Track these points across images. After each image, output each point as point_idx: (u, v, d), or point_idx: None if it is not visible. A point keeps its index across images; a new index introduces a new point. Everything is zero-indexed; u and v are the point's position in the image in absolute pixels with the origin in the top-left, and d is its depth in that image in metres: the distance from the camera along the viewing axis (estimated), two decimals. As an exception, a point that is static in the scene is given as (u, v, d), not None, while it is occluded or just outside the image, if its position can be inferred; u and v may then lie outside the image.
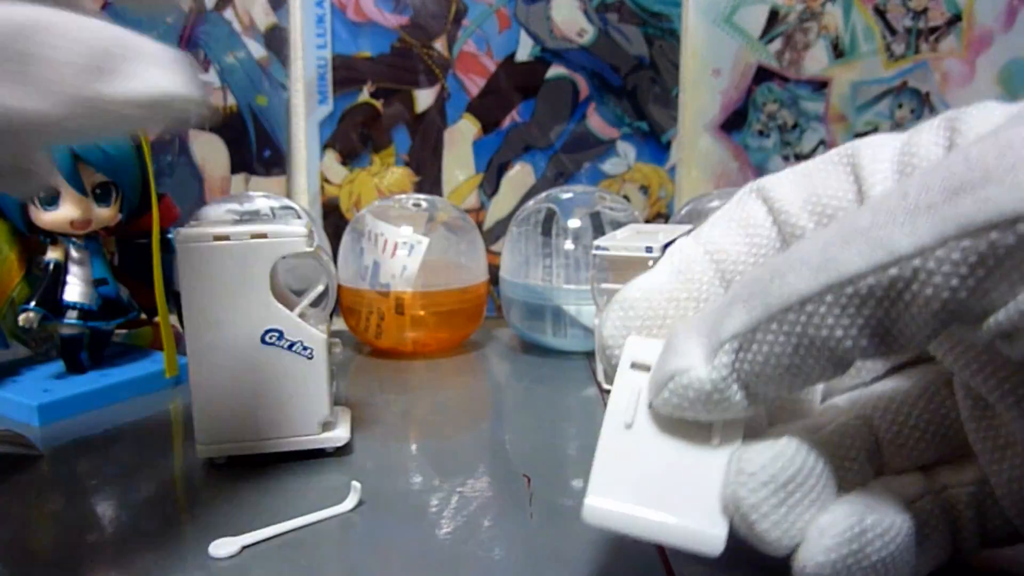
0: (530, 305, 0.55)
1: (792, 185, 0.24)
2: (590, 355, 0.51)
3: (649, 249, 0.44)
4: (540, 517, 0.31)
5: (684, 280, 0.25)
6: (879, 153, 0.23)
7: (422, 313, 0.53)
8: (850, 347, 0.18)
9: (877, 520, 0.20)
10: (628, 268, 0.45)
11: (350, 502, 0.31)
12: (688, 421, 0.22)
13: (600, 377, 0.47)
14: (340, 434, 0.37)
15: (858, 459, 0.22)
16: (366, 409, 0.44)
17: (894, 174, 0.22)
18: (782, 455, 0.20)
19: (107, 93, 0.23)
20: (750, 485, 0.20)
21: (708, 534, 0.20)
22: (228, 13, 0.65)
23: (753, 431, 0.22)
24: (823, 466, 0.21)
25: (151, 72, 0.24)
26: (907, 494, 0.22)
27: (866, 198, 0.22)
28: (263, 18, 0.66)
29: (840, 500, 0.21)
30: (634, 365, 0.23)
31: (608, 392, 0.46)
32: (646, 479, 0.21)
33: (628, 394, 0.23)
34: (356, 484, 0.31)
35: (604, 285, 0.46)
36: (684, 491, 0.21)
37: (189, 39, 0.65)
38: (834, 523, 0.20)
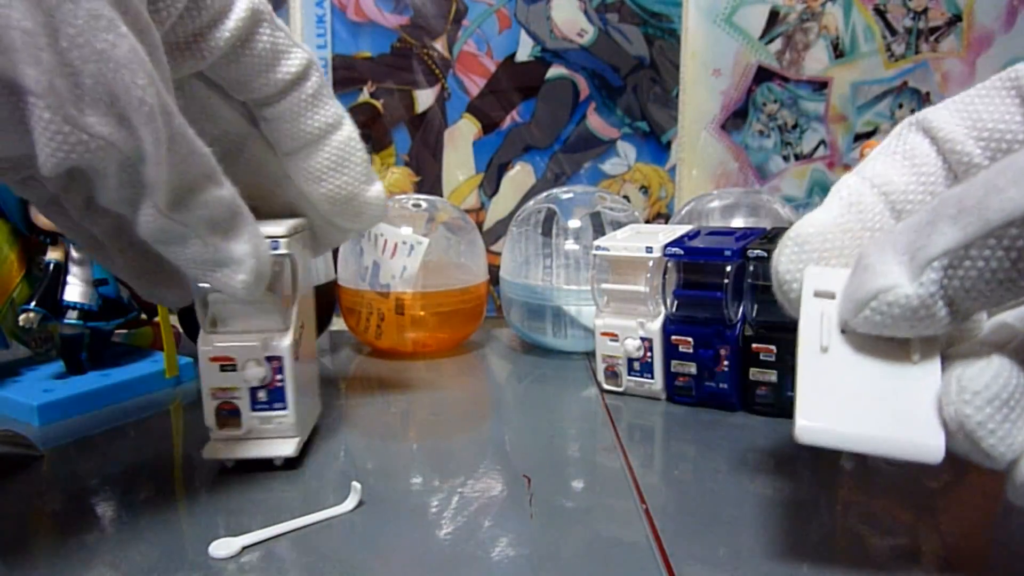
0: (530, 305, 0.55)
1: (954, 115, 0.24)
2: (590, 355, 0.51)
3: (649, 249, 0.44)
4: (540, 517, 0.31)
5: (856, 212, 0.25)
6: None
7: (422, 313, 0.53)
8: None
9: None
10: (628, 268, 0.45)
11: (350, 502, 0.31)
12: (884, 339, 0.22)
13: (600, 377, 0.47)
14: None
15: None
16: (366, 409, 0.44)
17: None
18: (1001, 373, 0.20)
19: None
20: (976, 403, 0.20)
21: (929, 445, 0.21)
22: (228, 13, 0.65)
23: (944, 347, 0.23)
24: None
25: None
26: None
27: None
28: (263, 18, 0.66)
29: None
30: (817, 293, 0.24)
31: (608, 392, 0.46)
32: (852, 397, 0.22)
33: (816, 320, 0.23)
34: (356, 484, 0.31)
35: (604, 285, 0.46)
36: (893, 406, 0.21)
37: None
38: None
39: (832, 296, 0.23)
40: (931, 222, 0.20)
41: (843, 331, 0.23)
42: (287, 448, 0.35)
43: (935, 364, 0.22)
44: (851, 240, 0.24)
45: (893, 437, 0.21)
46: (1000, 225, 0.18)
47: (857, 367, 0.22)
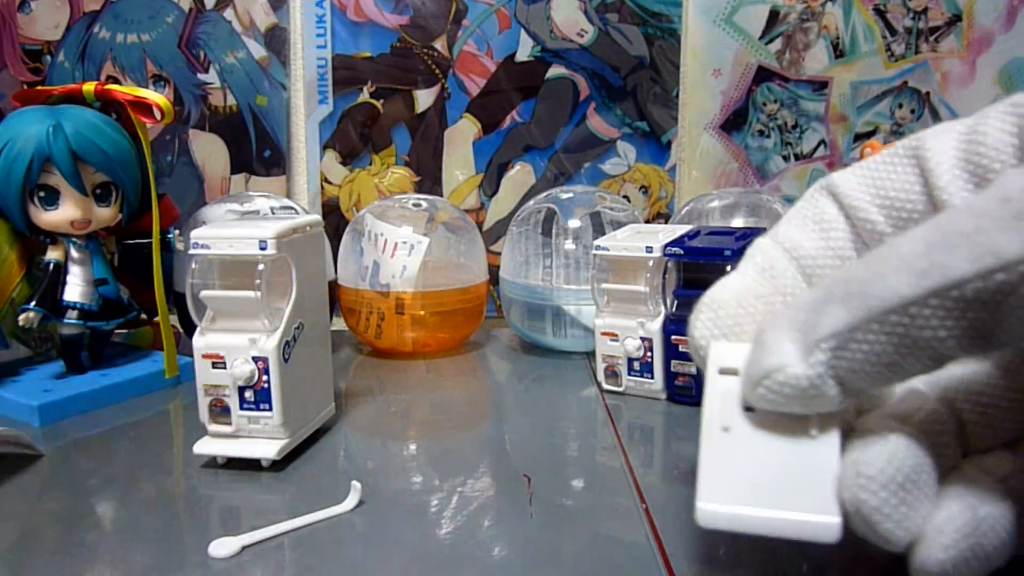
0: (530, 305, 0.55)
1: (859, 181, 0.25)
2: (590, 355, 0.51)
3: (649, 249, 0.44)
4: (540, 517, 0.31)
5: (769, 278, 0.26)
6: (942, 145, 0.23)
7: (422, 313, 0.53)
8: (953, 346, 0.19)
9: (988, 511, 0.21)
10: (628, 268, 0.45)
11: (350, 502, 0.31)
12: (784, 417, 0.22)
13: (600, 377, 0.47)
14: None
15: (950, 444, 0.23)
16: (366, 409, 0.44)
17: (960, 164, 0.23)
18: (896, 455, 0.21)
19: None
20: (871, 487, 0.20)
21: (826, 524, 0.21)
22: (228, 13, 0.65)
23: (843, 416, 0.23)
24: (928, 458, 0.21)
25: None
26: (1001, 474, 0.22)
27: (934, 191, 0.23)
28: (263, 18, 0.66)
29: (949, 494, 0.21)
30: (722, 371, 0.24)
31: (608, 392, 0.46)
32: (752, 478, 0.22)
33: (720, 399, 0.23)
34: (356, 484, 0.31)
35: (604, 285, 0.46)
36: (791, 484, 0.21)
37: (189, 39, 0.66)
38: (950, 519, 0.20)
39: (735, 372, 0.24)
40: (824, 301, 0.21)
41: (747, 408, 0.23)
42: (271, 450, 0.35)
43: (833, 438, 0.22)
44: (764, 305, 0.25)
45: (790, 518, 0.21)
46: (881, 312, 0.19)
47: (757, 446, 0.22)
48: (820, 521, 0.21)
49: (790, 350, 0.21)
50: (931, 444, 0.22)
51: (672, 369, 0.44)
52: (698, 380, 0.43)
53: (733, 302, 0.25)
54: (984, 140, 0.22)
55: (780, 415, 0.22)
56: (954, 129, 0.23)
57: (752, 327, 0.25)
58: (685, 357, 0.43)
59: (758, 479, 0.22)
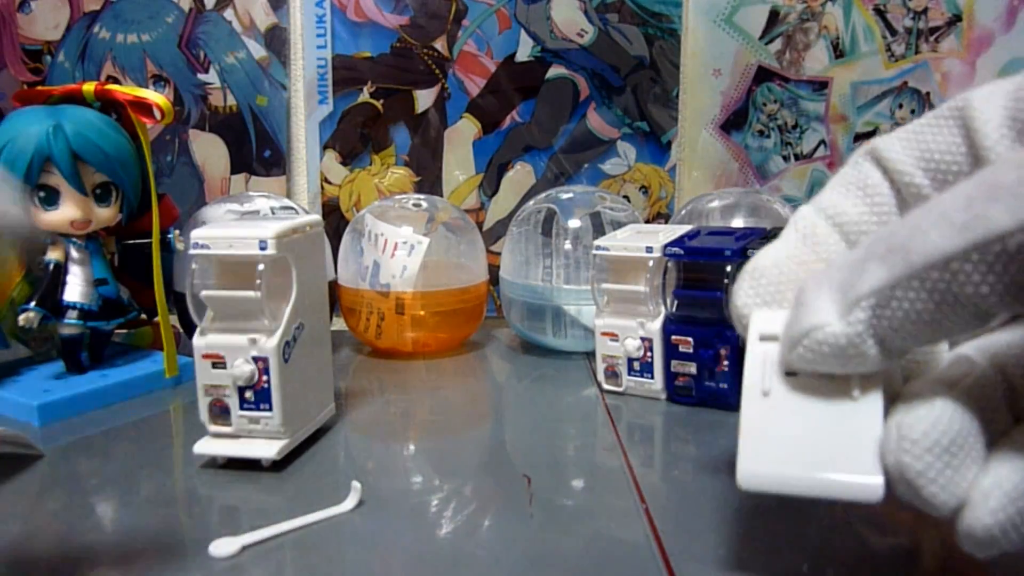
0: (530, 305, 0.55)
1: (903, 145, 0.25)
2: (590, 355, 0.51)
3: (649, 249, 0.44)
4: (540, 517, 0.31)
5: (811, 244, 0.25)
6: (988, 106, 0.23)
7: (422, 313, 0.53)
8: (996, 302, 0.18)
9: None
10: (628, 268, 0.45)
11: (350, 502, 0.31)
12: (825, 379, 0.22)
13: (600, 377, 0.47)
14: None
15: (999, 409, 0.22)
16: (366, 409, 0.44)
17: (1008, 122, 0.22)
18: (941, 419, 0.20)
19: None
20: (915, 452, 0.20)
21: (868, 484, 0.21)
22: (228, 13, 0.65)
23: (889, 382, 0.22)
24: (976, 423, 0.21)
25: None
26: None
27: (981, 151, 0.23)
28: (263, 18, 0.66)
29: (997, 458, 0.21)
30: (763, 337, 0.24)
31: (608, 392, 0.46)
32: (793, 439, 0.22)
33: (760, 364, 0.23)
34: (356, 484, 0.31)
35: (604, 285, 0.46)
36: (833, 445, 0.21)
37: (189, 39, 0.65)
38: (998, 484, 0.20)
39: (776, 339, 0.23)
40: (863, 260, 0.20)
41: (787, 373, 0.23)
42: (271, 450, 0.35)
43: (876, 400, 0.22)
44: (806, 272, 0.25)
45: (833, 478, 0.21)
46: (922, 268, 0.19)
47: (798, 409, 0.22)
48: (862, 482, 0.21)
49: (829, 308, 0.21)
50: (979, 409, 0.22)
51: (672, 369, 0.44)
52: (698, 380, 0.43)
53: (774, 269, 0.25)
54: None
55: (821, 377, 0.22)
56: (1001, 88, 0.23)
57: (793, 294, 0.24)
58: (685, 357, 0.43)
59: (799, 441, 0.21)
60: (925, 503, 0.20)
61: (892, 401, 0.22)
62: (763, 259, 0.26)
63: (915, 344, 0.20)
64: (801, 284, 0.23)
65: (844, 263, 0.21)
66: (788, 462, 0.21)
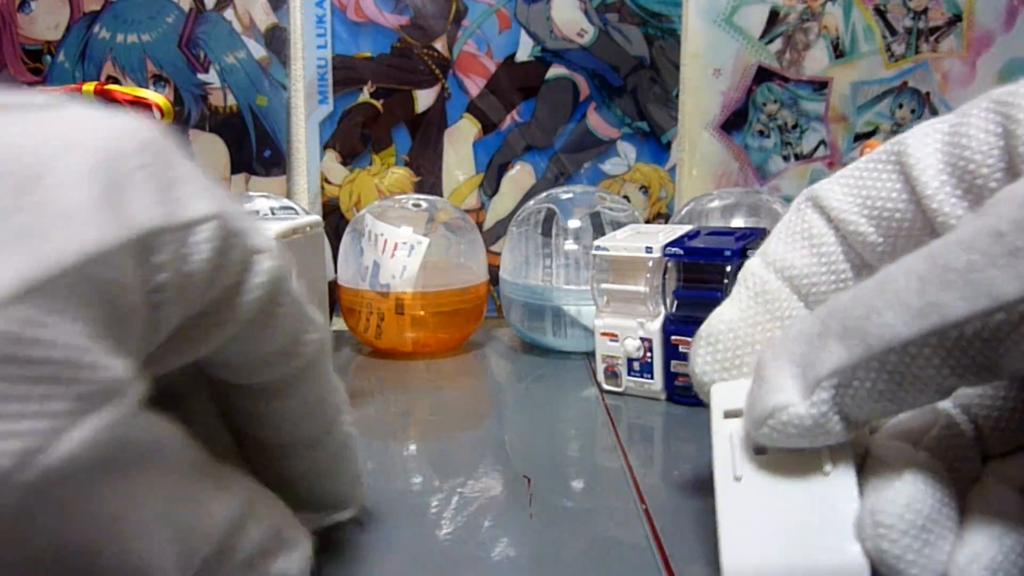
0: (530, 305, 0.55)
1: (844, 192, 0.25)
2: (590, 355, 0.51)
3: (649, 249, 0.44)
4: (540, 517, 0.31)
5: (763, 303, 0.25)
6: (923, 149, 0.22)
7: (422, 313, 0.53)
8: (956, 381, 0.19)
9: (1014, 541, 0.20)
10: (628, 268, 0.45)
11: (350, 509, 0.31)
12: (795, 454, 0.22)
13: (600, 377, 0.47)
14: None
15: (968, 456, 0.22)
16: (366, 409, 0.44)
17: (946, 169, 0.22)
18: (914, 499, 0.20)
19: None
20: (891, 536, 0.20)
21: (855, 571, 0.20)
22: (228, 13, 0.65)
23: (857, 442, 0.22)
24: (947, 489, 0.21)
25: None
26: (1023, 482, 0.22)
27: (922, 199, 0.22)
28: (263, 18, 0.66)
29: (971, 528, 0.20)
30: (727, 414, 0.24)
31: (608, 392, 0.46)
32: (772, 528, 0.21)
33: (728, 445, 0.23)
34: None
35: (604, 285, 0.46)
36: (813, 530, 0.21)
37: (189, 39, 0.65)
38: (975, 558, 0.20)
39: (739, 414, 0.23)
40: (821, 335, 0.20)
41: (756, 450, 0.23)
42: None
43: (848, 472, 0.22)
44: (762, 333, 0.25)
45: (817, 568, 0.21)
46: (880, 351, 0.19)
47: (772, 492, 0.22)
48: (847, 568, 0.20)
49: (791, 387, 0.21)
50: (950, 461, 0.22)
51: (672, 369, 0.44)
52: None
53: (730, 333, 0.25)
54: (968, 144, 0.21)
55: (790, 452, 0.22)
56: (936, 130, 0.23)
57: (752, 358, 0.24)
58: (685, 357, 0.43)
59: (778, 528, 0.21)
60: None
61: (860, 458, 0.22)
62: (717, 323, 0.26)
63: (880, 417, 0.20)
64: (760, 354, 0.23)
65: (801, 335, 0.21)
66: (771, 555, 0.21)
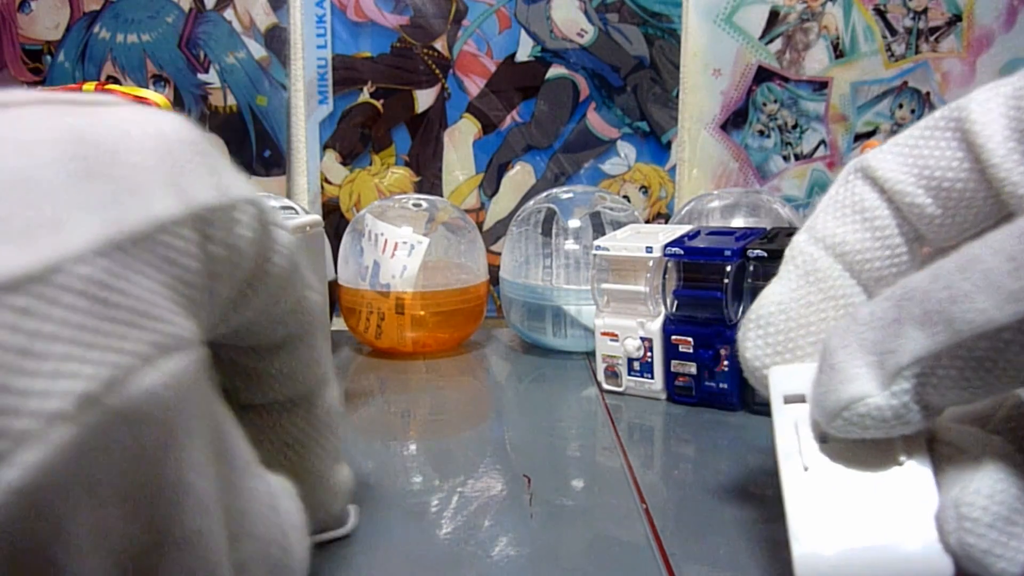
0: (530, 305, 0.55)
1: (899, 161, 0.23)
2: (590, 355, 0.51)
3: (649, 249, 0.44)
4: (540, 517, 0.31)
5: (815, 282, 0.24)
6: (988, 115, 0.21)
7: (422, 313, 0.53)
8: None
9: None
10: (628, 268, 0.45)
11: (349, 526, 0.31)
12: (866, 444, 0.21)
13: (600, 377, 0.47)
14: None
15: None
16: (366, 409, 0.44)
17: (1014, 135, 0.21)
18: (997, 490, 0.19)
19: None
20: (977, 531, 0.19)
21: (937, 565, 0.20)
22: (228, 13, 0.65)
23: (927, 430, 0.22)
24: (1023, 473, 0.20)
25: None
26: None
27: (988, 168, 0.21)
28: (263, 18, 0.66)
29: None
30: (787, 399, 0.23)
31: (608, 392, 0.46)
32: (847, 520, 0.21)
33: (792, 434, 0.22)
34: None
35: (604, 285, 0.46)
36: (887, 518, 0.20)
37: (189, 39, 0.65)
38: None
39: (802, 399, 0.22)
40: (896, 320, 0.19)
41: (822, 440, 0.22)
42: None
43: (924, 462, 0.21)
44: (815, 314, 0.24)
45: (899, 562, 0.20)
46: (971, 337, 0.18)
47: (844, 482, 0.21)
48: (931, 562, 0.20)
49: (867, 376, 0.20)
50: (1020, 443, 0.21)
51: (672, 369, 0.44)
52: (698, 380, 0.43)
53: (781, 315, 0.24)
54: None
55: (861, 441, 0.21)
56: (1001, 93, 0.21)
57: (806, 340, 0.23)
58: (685, 357, 0.43)
59: (853, 520, 0.21)
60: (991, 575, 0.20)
61: (929, 444, 0.21)
62: (767, 305, 0.24)
63: (962, 404, 0.20)
64: (826, 342, 0.21)
65: (873, 319, 0.20)
66: (847, 547, 0.20)
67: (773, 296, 0.24)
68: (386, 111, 0.67)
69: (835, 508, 0.21)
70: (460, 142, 0.68)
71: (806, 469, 0.22)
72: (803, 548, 0.21)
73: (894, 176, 0.23)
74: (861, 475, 0.21)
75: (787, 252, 0.25)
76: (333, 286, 0.56)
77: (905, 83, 0.69)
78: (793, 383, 0.23)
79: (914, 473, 0.21)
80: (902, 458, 0.21)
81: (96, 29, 0.65)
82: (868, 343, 0.20)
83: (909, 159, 0.23)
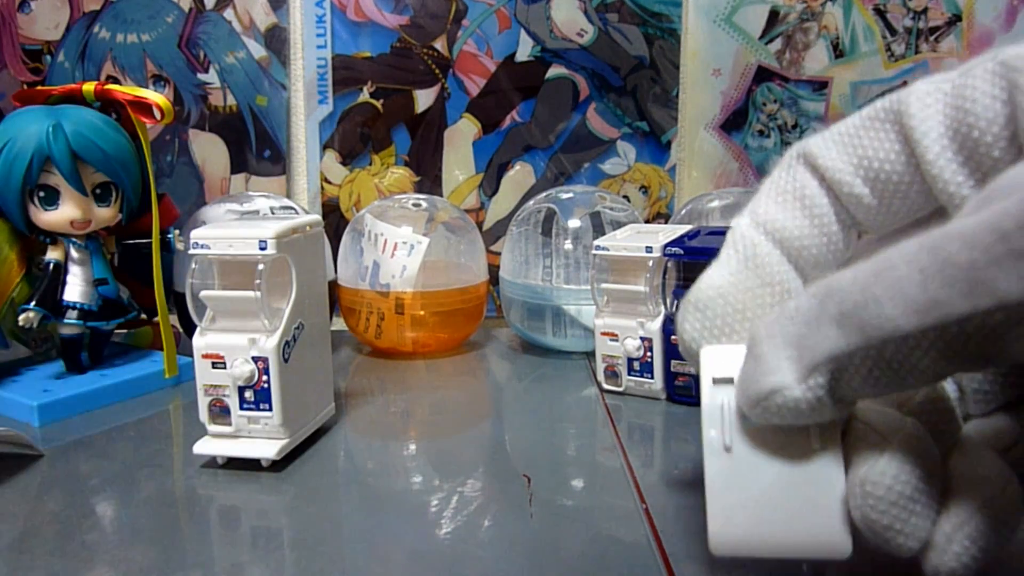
0: (530, 305, 0.55)
1: (839, 149, 0.24)
2: (590, 355, 0.51)
3: (649, 249, 0.44)
4: (540, 517, 0.31)
5: (753, 268, 0.25)
6: (925, 111, 0.22)
7: (422, 313, 0.53)
8: (952, 371, 0.19)
9: (997, 508, 0.20)
10: (628, 268, 0.45)
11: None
12: (784, 429, 0.22)
13: (600, 377, 0.47)
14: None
15: (952, 419, 0.23)
16: (366, 409, 0.44)
17: (948, 134, 0.21)
18: (902, 470, 0.21)
19: None
20: (880, 508, 0.20)
21: (836, 544, 0.21)
22: (228, 13, 0.65)
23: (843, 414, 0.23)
24: (933, 455, 0.21)
25: None
26: (1003, 444, 0.22)
27: (922, 164, 0.22)
28: (263, 18, 0.66)
29: (955, 497, 0.21)
30: (716, 380, 0.23)
31: (608, 392, 0.46)
32: (759, 500, 0.22)
33: (717, 415, 0.23)
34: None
35: (604, 285, 0.46)
36: (799, 503, 0.22)
37: (189, 39, 0.65)
38: (960, 526, 0.20)
39: (730, 382, 0.23)
40: (817, 318, 0.20)
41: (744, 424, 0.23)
42: (271, 450, 0.35)
43: (835, 449, 0.22)
44: (752, 299, 0.24)
45: (802, 540, 0.21)
46: (879, 340, 0.19)
47: (761, 465, 0.22)
48: (831, 544, 0.21)
49: (786, 369, 0.21)
50: (934, 425, 0.22)
51: (672, 369, 0.44)
52: (698, 381, 0.43)
53: (720, 299, 0.25)
54: (972, 108, 0.21)
55: (780, 427, 0.22)
56: (939, 89, 0.22)
57: (741, 325, 0.24)
58: (685, 357, 0.43)
59: (765, 501, 0.22)
60: (893, 551, 0.21)
61: (845, 425, 0.22)
62: (706, 288, 0.25)
63: (874, 397, 0.21)
64: (753, 330, 0.22)
65: (797, 314, 0.21)
66: (757, 526, 0.22)
67: (713, 279, 0.25)
68: (386, 111, 0.67)
69: (751, 488, 0.22)
70: (460, 142, 0.68)
71: (727, 450, 0.23)
72: (717, 525, 0.22)
73: (834, 165, 0.24)
74: (775, 457, 0.22)
75: (729, 235, 0.26)
76: (333, 286, 0.56)
77: (905, 83, 0.69)
78: (723, 366, 0.23)
79: (825, 459, 0.22)
80: (815, 444, 0.22)
81: (96, 29, 0.65)
82: (791, 336, 0.21)
83: (849, 148, 0.24)
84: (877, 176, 0.23)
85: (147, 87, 0.65)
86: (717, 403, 0.23)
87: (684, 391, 0.44)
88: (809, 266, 0.25)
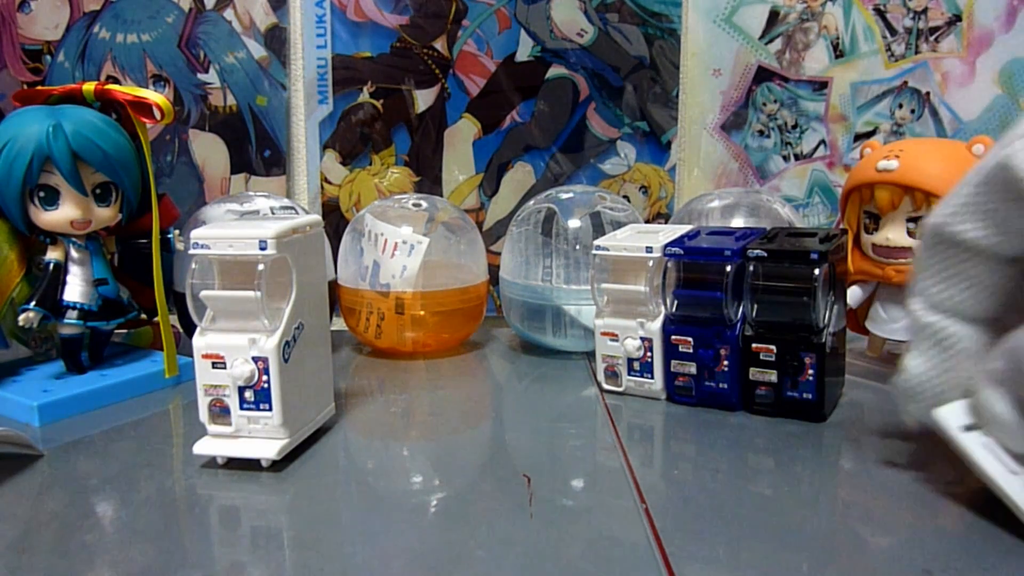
0: (530, 305, 0.55)
1: (976, 219, 0.30)
2: (590, 355, 0.51)
3: (649, 249, 0.44)
4: (540, 516, 0.31)
5: (947, 348, 0.31)
6: None
7: (422, 313, 0.53)
8: None
9: None
10: (628, 268, 0.45)
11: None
12: None
13: (600, 377, 0.47)
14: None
15: None
16: (366, 409, 0.44)
17: None
18: None
19: None
20: None
21: None
22: (228, 13, 0.65)
23: None
24: None
25: None
26: None
27: None
28: (263, 18, 0.66)
29: None
30: (967, 428, 0.30)
31: (608, 392, 0.46)
32: None
33: (991, 457, 0.29)
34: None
35: (604, 285, 0.46)
36: None
37: (189, 39, 0.65)
38: None
39: (976, 428, 0.30)
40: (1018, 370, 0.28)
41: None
42: (271, 450, 0.35)
43: None
44: (955, 372, 0.31)
45: None
46: None
47: None
48: None
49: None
50: None
51: (672, 369, 0.44)
52: (698, 380, 0.43)
53: (928, 384, 0.31)
54: None
55: None
56: None
57: (953, 394, 0.31)
58: (685, 357, 0.43)
59: None
60: None
61: None
62: (914, 379, 0.31)
63: None
64: (994, 401, 0.29)
65: (1005, 372, 0.28)
66: None
67: (916, 370, 0.32)
68: (386, 111, 0.67)
69: None
70: (460, 142, 0.68)
71: (1014, 474, 0.29)
72: None
73: (975, 235, 0.30)
74: None
75: (918, 328, 0.32)
76: (333, 286, 0.56)
77: (905, 83, 0.69)
78: (959, 418, 0.30)
79: None
80: None
81: (96, 29, 0.65)
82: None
83: (987, 218, 0.29)
84: (1011, 229, 0.29)
85: (147, 87, 0.65)
86: (979, 444, 0.30)
87: (684, 391, 0.44)
88: (980, 313, 0.31)
